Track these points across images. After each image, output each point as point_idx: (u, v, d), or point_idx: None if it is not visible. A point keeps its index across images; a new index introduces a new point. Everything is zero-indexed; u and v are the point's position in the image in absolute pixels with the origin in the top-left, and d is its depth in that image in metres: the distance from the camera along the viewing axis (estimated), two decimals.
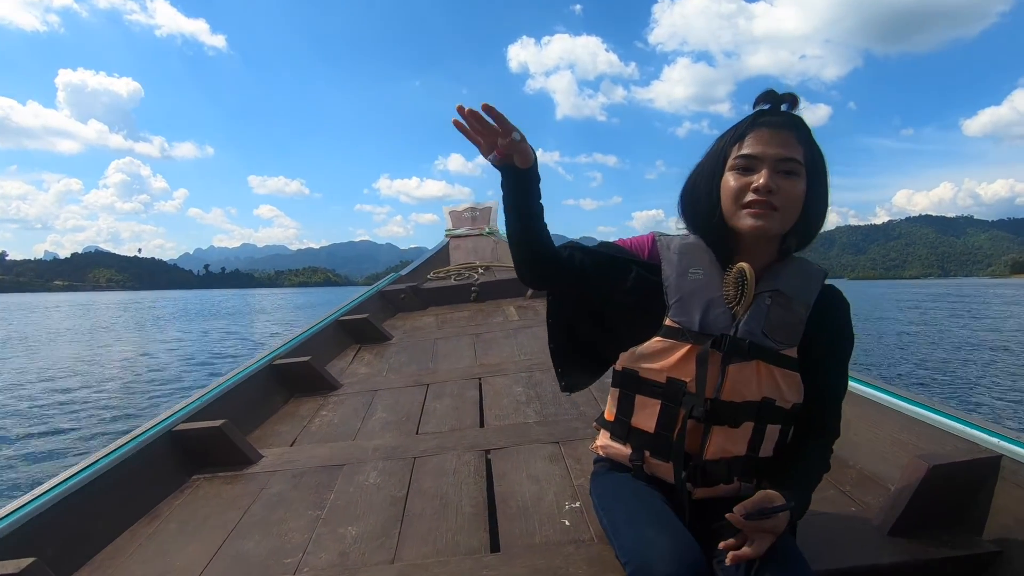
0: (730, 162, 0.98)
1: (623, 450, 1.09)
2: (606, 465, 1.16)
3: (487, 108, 0.92)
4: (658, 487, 1.05)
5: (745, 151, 0.96)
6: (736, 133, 0.99)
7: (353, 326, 3.36)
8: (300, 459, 1.82)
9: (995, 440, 1.21)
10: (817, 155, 0.98)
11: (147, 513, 1.55)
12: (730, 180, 0.97)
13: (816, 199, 0.98)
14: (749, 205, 0.95)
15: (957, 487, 1.19)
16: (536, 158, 0.99)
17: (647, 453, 1.05)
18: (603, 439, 1.15)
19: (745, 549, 0.87)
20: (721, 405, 0.98)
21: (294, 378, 2.52)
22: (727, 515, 0.87)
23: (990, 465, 1.19)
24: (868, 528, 1.21)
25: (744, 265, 0.99)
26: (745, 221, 0.95)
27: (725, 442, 1.00)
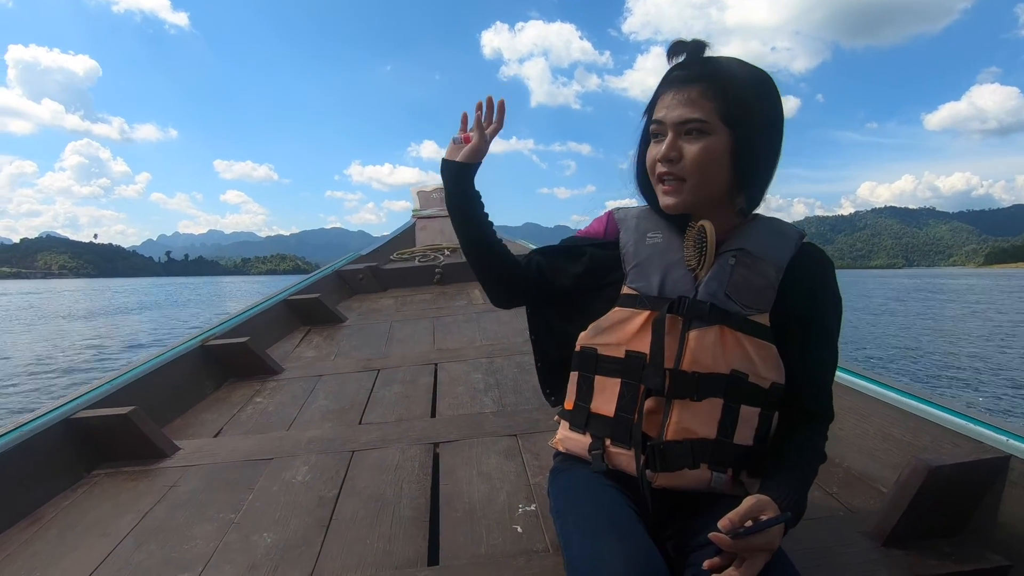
0: (650, 128, 0.91)
1: (582, 440, 0.95)
2: (565, 460, 1.00)
3: (501, 104, 1.03)
4: (622, 482, 0.90)
5: (655, 115, 0.89)
6: (654, 95, 0.91)
7: (303, 306, 3.10)
8: (222, 452, 1.60)
9: (1002, 438, 1.07)
10: (740, 103, 0.84)
11: (27, 516, 1.31)
12: (650, 149, 0.91)
13: (746, 152, 0.85)
14: (660, 180, 0.89)
15: (960, 491, 1.05)
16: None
17: (607, 441, 0.91)
18: (562, 432, 1.01)
19: (732, 572, 0.71)
20: (682, 376, 0.86)
21: (228, 361, 2.27)
22: (710, 535, 0.70)
23: (997, 467, 1.05)
24: (860, 538, 1.06)
25: (704, 222, 0.88)
26: (660, 200, 0.90)
27: (688, 420, 0.86)
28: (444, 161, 1.02)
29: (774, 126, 0.88)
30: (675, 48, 0.89)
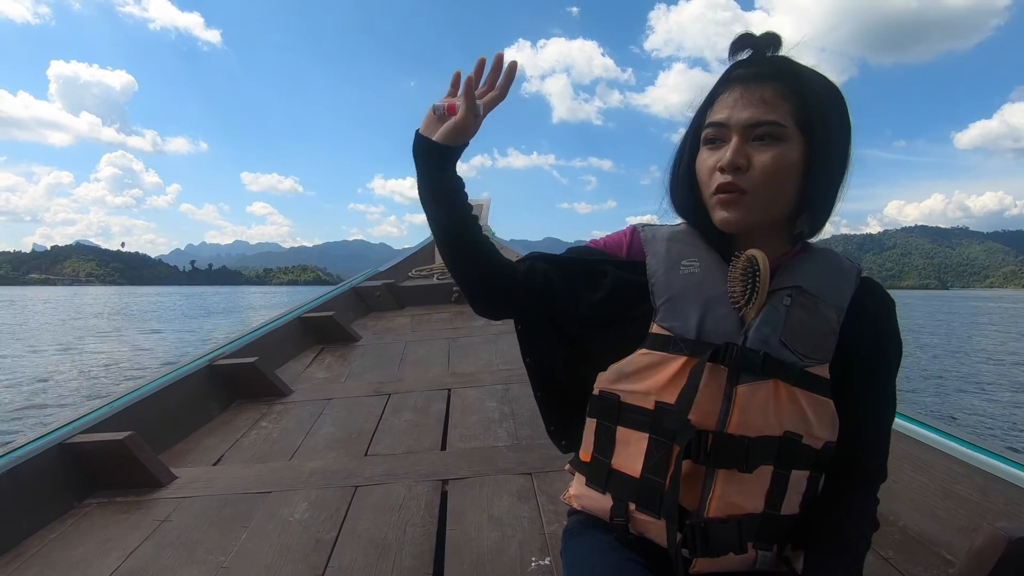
0: (703, 133, 0.76)
1: (602, 502, 0.79)
2: (582, 521, 0.86)
3: (512, 67, 0.76)
4: (649, 555, 0.76)
5: (713, 118, 0.74)
6: (709, 96, 0.77)
7: (317, 324, 3.04)
8: (219, 483, 1.51)
9: None
10: (818, 108, 0.72)
11: (10, 550, 1.23)
12: (703, 156, 0.76)
13: (821, 166, 0.72)
14: (717, 191, 0.73)
15: None
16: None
17: (632, 506, 0.76)
18: (577, 486, 0.85)
19: None
20: (729, 441, 0.71)
21: (236, 382, 2.20)
22: None
23: None
24: None
25: (756, 252, 0.73)
26: (715, 215, 0.75)
27: (735, 494, 0.72)
28: (418, 137, 0.77)
29: (847, 141, 0.75)
30: (741, 42, 0.75)
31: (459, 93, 0.74)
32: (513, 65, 0.76)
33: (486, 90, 0.76)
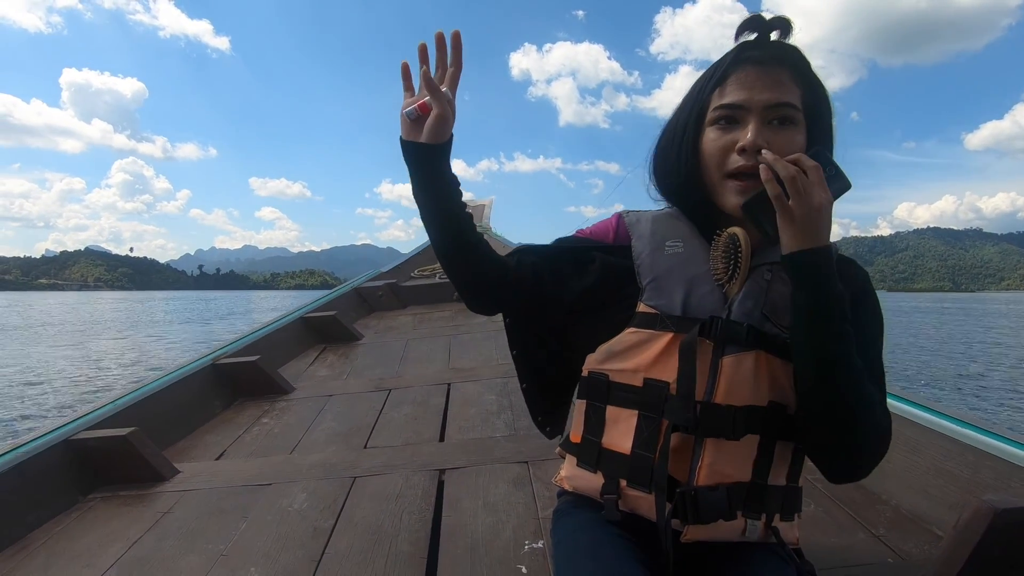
0: (710, 115, 0.76)
1: (594, 481, 0.81)
2: (571, 501, 0.87)
3: (455, 37, 0.77)
4: (636, 531, 0.77)
5: (727, 99, 0.74)
6: (715, 75, 0.76)
7: (319, 324, 3.07)
8: (221, 476, 1.54)
9: None
10: (819, 96, 0.75)
11: (15, 543, 1.26)
12: (711, 137, 0.76)
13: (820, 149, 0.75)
14: (736, 174, 0.73)
15: None
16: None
17: (623, 483, 0.77)
18: (568, 468, 0.87)
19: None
20: (715, 410, 0.72)
21: (239, 380, 2.23)
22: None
23: None
24: None
25: (736, 230, 0.76)
26: (730, 199, 0.74)
27: (723, 461, 0.73)
28: (404, 144, 0.77)
29: (834, 130, 0.78)
30: (751, 23, 0.75)
31: (421, 90, 0.76)
32: (456, 34, 0.76)
33: (442, 73, 0.77)
